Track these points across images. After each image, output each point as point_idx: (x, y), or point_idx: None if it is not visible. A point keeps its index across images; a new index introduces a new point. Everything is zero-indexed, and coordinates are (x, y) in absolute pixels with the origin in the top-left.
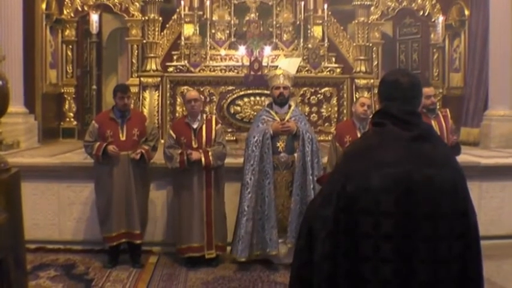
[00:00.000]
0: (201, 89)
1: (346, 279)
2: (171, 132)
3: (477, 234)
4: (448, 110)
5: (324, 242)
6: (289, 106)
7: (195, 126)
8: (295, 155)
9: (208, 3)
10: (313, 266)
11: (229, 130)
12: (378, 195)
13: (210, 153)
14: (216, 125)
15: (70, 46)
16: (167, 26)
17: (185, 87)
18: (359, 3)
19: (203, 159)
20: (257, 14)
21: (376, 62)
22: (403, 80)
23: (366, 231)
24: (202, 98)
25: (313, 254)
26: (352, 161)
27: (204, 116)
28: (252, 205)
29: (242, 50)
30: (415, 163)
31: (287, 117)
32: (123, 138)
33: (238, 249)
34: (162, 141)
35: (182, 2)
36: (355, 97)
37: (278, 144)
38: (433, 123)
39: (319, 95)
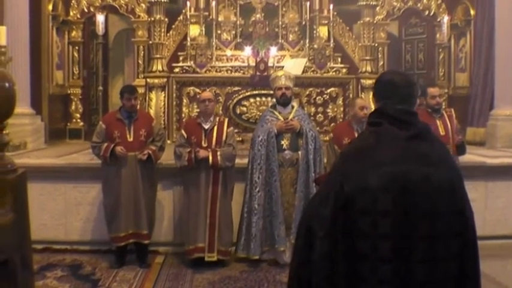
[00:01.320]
0: (207, 90)
1: (345, 278)
2: (183, 131)
3: (474, 233)
4: (452, 110)
5: (322, 242)
6: (292, 107)
7: (206, 126)
8: (299, 152)
9: (214, 4)
10: (311, 265)
11: (236, 131)
12: (376, 195)
13: (218, 153)
14: (228, 127)
15: (76, 47)
16: (173, 26)
17: (191, 88)
18: (364, 3)
19: (210, 157)
20: (263, 14)
21: (381, 62)
22: (398, 78)
23: (363, 230)
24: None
25: (312, 254)
26: (349, 161)
27: (217, 118)
28: (262, 203)
29: (248, 50)
30: (412, 162)
31: (290, 117)
32: (130, 139)
33: (251, 247)
34: (169, 141)
35: (188, 3)
36: (361, 97)
37: (282, 142)
38: (438, 123)
39: (325, 95)
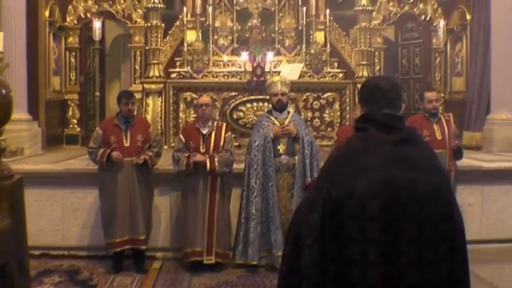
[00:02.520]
0: (204, 95)
1: (334, 284)
2: (181, 136)
3: (463, 237)
4: (451, 115)
5: (312, 248)
6: (288, 112)
7: (204, 131)
8: (296, 157)
9: (210, 9)
10: (300, 271)
11: (232, 136)
12: (363, 200)
13: (216, 159)
14: (226, 132)
15: (73, 53)
16: (170, 32)
17: (188, 93)
18: (361, 8)
19: (208, 163)
20: (259, 20)
21: (378, 67)
22: (383, 83)
23: (352, 235)
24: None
25: (301, 260)
26: (336, 166)
27: (215, 122)
28: (259, 208)
29: (245, 55)
30: (399, 167)
31: (286, 122)
32: (127, 144)
33: (249, 253)
34: (166, 147)
35: (185, 9)
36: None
37: (279, 147)
38: (435, 127)
39: (321, 100)
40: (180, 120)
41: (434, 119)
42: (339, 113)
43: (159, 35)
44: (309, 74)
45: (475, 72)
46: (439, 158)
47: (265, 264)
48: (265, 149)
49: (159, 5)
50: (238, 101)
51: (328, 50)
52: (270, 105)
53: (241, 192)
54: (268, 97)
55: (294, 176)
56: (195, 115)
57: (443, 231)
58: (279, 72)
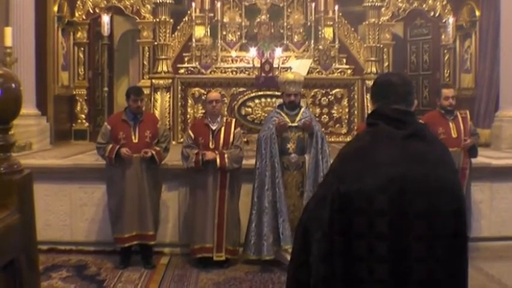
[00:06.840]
0: (213, 90)
1: (342, 279)
2: (190, 132)
3: (466, 232)
4: (467, 112)
5: (320, 243)
6: (300, 107)
7: (214, 127)
8: (306, 156)
9: (219, 5)
10: (309, 267)
11: (241, 132)
12: (372, 195)
13: (226, 155)
14: (235, 128)
15: (82, 48)
16: (178, 27)
17: (196, 88)
18: (370, 4)
19: (218, 160)
20: (268, 15)
21: (387, 63)
22: (394, 78)
23: (360, 231)
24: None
25: (309, 256)
26: (345, 162)
27: (224, 118)
28: (271, 201)
29: (253, 51)
30: (408, 162)
31: (297, 119)
32: (135, 140)
33: (263, 248)
34: (174, 142)
35: (193, 4)
36: (366, 98)
37: (288, 146)
38: (451, 125)
39: (330, 96)
40: (188, 116)
41: (450, 117)
42: (347, 109)
43: (168, 31)
44: (317, 70)
45: (484, 69)
46: (454, 156)
47: (272, 260)
48: (270, 143)
49: (168, 1)
50: (246, 97)
51: (336, 46)
52: (281, 100)
53: (252, 187)
54: (276, 93)
55: (303, 174)
56: (203, 111)
57: (452, 226)
58: (288, 68)
